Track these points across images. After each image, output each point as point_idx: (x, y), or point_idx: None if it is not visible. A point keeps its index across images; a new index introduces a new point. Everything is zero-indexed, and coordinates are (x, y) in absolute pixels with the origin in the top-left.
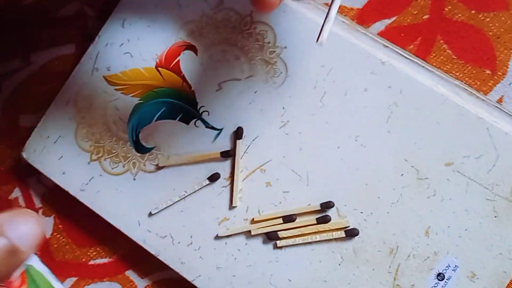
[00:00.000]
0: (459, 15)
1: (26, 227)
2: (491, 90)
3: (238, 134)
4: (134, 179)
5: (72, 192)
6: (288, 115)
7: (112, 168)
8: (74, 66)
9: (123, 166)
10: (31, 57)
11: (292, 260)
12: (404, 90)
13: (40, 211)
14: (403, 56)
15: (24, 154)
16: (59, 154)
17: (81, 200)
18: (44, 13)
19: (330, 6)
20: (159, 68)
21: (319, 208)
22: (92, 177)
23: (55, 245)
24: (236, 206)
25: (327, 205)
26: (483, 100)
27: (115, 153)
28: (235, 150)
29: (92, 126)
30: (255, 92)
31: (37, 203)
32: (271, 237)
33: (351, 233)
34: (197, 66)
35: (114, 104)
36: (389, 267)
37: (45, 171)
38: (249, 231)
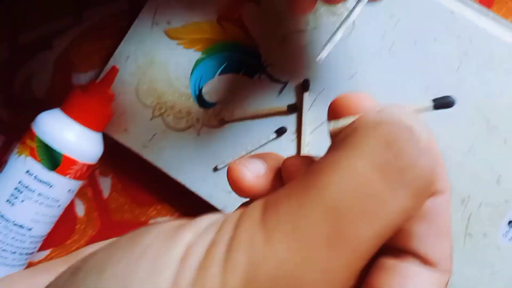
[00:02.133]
0: None
1: None
2: None
3: (304, 86)
4: (198, 134)
5: (135, 149)
6: (356, 67)
7: (175, 124)
8: (128, 23)
9: (187, 122)
10: (84, 14)
11: None
12: (474, 40)
13: (97, 170)
14: (471, 6)
15: None
16: (120, 111)
17: (145, 156)
18: None
19: (337, 28)
20: (221, 21)
21: None
22: (155, 134)
23: (113, 205)
24: None
25: None
26: None
27: (178, 109)
28: (302, 103)
29: (153, 82)
30: (321, 44)
31: None
32: None
33: None
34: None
35: (176, 58)
36: (461, 216)
37: (106, 128)
38: None
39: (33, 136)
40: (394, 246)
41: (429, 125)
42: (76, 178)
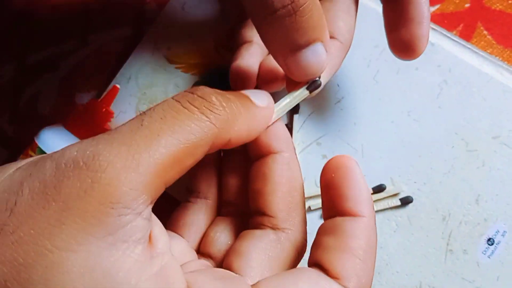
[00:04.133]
0: (497, 4)
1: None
2: None
3: (295, 109)
4: None
5: None
6: (342, 92)
7: None
8: (131, 47)
9: None
10: (89, 38)
11: None
12: (453, 69)
13: None
14: (451, 38)
15: None
16: None
17: None
18: None
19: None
20: (218, 48)
21: (371, 192)
22: None
23: None
24: None
25: (379, 188)
26: None
27: None
28: (292, 124)
29: (153, 102)
30: None
31: None
32: None
33: (406, 201)
34: None
35: (174, 81)
36: (442, 233)
37: None
38: (309, 207)
39: (35, 148)
40: (313, 261)
41: (413, 146)
42: None
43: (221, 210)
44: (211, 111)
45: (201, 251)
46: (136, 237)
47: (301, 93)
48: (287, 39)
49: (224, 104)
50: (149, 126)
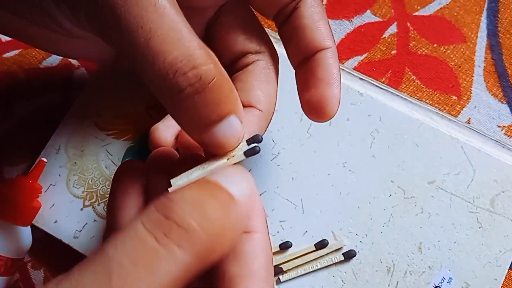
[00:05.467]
0: (423, 49)
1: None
2: (459, 114)
3: None
4: None
5: (65, 240)
6: (278, 147)
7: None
8: (59, 115)
9: None
10: (14, 108)
11: None
12: (383, 118)
13: (29, 264)
14: (379, 87)
15: None
16: (50, 203)
17: (75, 247)
18: (28, 64)
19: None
20: (150, 111)
21: (313, 248)
22: (86, 223)
23: None
24: None
25: (322, 244)
26: (455, 121)
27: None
28: None
29: (84, 172)
30: None
31: (25, 256)
32: (274, 272)
33: (349, 255)
34: None
35: (106, 148)
36: (388, 285)
37: (36, 221)
38: None
39: None
40: None
41: (351, 197)
42: (0, 274)
43: None
44: (193, 243)
45: None
46: None
47: (237, 158)
48: (198, 116)
49: (205, 227)
50: (121, 280)
